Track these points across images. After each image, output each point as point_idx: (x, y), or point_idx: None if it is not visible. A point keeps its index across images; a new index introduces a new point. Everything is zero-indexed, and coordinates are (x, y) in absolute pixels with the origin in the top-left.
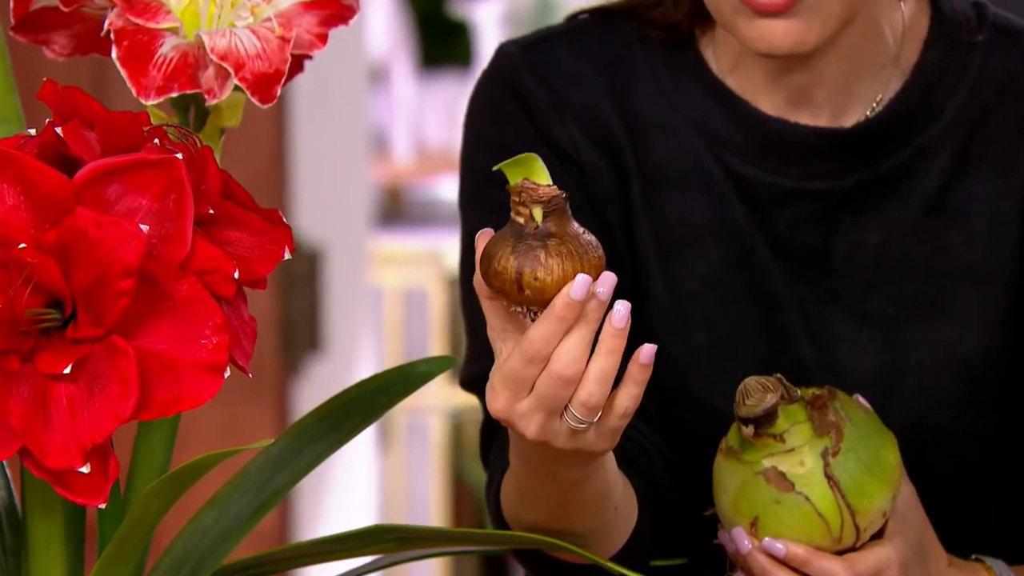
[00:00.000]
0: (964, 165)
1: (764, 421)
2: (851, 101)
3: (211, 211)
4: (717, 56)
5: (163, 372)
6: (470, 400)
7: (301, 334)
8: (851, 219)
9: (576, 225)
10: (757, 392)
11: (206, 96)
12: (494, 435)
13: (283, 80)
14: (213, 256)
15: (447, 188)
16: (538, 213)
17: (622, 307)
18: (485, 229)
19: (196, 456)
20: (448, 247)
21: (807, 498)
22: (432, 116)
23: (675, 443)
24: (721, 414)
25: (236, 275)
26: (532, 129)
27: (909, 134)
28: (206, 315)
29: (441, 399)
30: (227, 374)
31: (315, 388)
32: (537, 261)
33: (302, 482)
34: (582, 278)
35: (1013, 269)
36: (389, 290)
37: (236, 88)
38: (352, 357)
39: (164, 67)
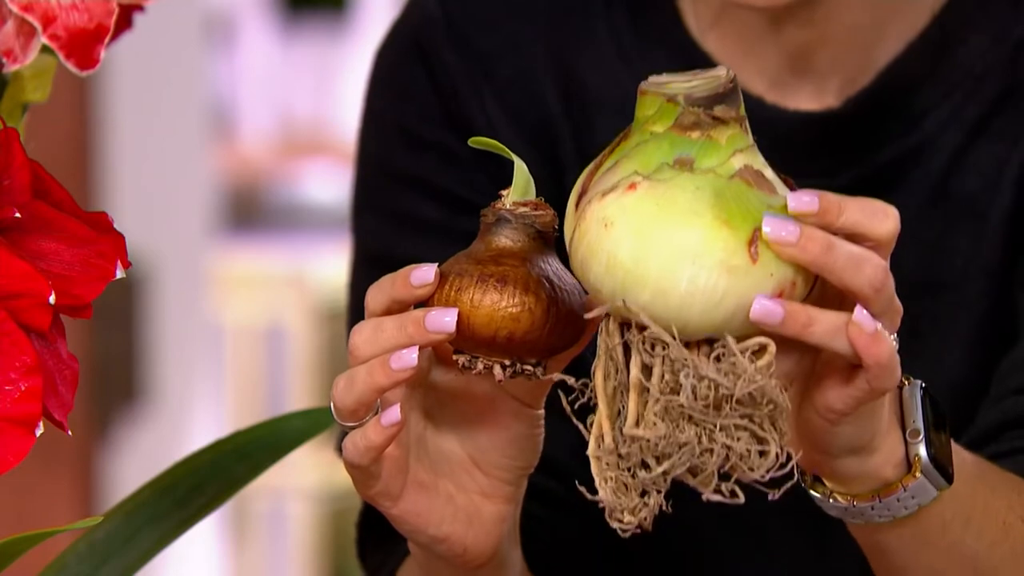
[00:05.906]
0: (976, 139)
1: (730, 96)
2: (870, 65)
3: (17, 214)
4: (696, 7)
5: None
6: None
7: (114, 382)
8: None
9: (534, 267)
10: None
11: (4, 60)
12: (377, 525)
13: (107, 39)
14: (21, 274)
15: (318, 182)
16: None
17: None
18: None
19: None
20: (317, 265)
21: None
22: (297, 81)
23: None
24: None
25: (52, 300)
26: (438, 107)
27: (915, 109)
28: (13, 353)
29: (313, 476)
30: (39, 431)
31: (133, 455)
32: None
33: None
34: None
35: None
36: (236, 323)
37: (44, 50)
38: (183, 413)
39: None
